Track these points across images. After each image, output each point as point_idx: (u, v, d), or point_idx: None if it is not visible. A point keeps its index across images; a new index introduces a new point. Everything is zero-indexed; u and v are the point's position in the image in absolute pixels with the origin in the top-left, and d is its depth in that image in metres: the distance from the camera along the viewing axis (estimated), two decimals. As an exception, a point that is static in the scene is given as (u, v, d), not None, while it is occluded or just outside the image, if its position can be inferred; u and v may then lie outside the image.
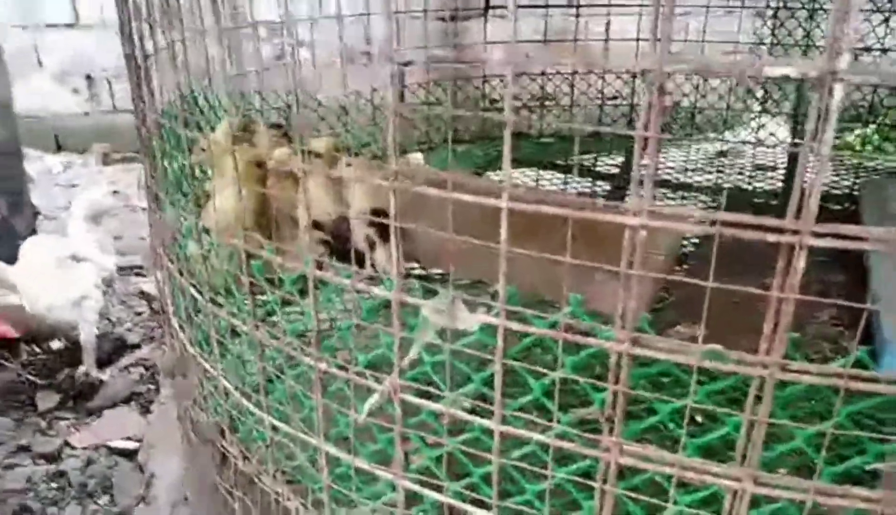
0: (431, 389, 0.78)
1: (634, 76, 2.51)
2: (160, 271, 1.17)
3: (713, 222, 0.58)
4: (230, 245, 0.88)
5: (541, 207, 0.68)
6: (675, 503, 0.70)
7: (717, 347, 0.62)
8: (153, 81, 0.98)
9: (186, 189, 0.95)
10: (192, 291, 0.98)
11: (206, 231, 0.91)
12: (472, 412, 0.77)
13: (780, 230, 0.56)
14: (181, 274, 1.02)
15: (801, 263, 0.58)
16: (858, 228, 0.54)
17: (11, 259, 2.45)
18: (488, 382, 0.78)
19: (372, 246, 1.79)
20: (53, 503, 2.00)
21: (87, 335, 2.36)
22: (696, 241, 1.82)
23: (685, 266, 1.73)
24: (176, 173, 1.05)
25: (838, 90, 0.49)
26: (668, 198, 2.23)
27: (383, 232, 1.76)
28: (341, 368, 0.83)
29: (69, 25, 4.80)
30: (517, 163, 2.39)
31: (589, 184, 2.34)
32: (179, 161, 1.05)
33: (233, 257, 0.90)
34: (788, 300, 0.59)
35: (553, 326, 0.68)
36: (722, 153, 2.71)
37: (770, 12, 2.69)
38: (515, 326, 0.69)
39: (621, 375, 0.66)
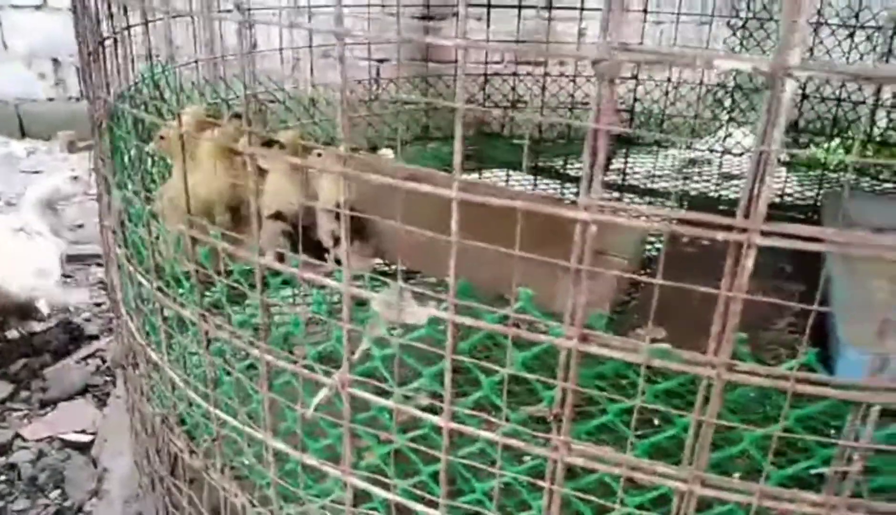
0: (383, 385, 0.77)
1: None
2: (109, 258, 1.14)
3: (665, 219, 0.57)
4: (177, 231, 0.85)
5: (493, 200, 0.67)
6: (623, 503, 0.70)
7: (665, 346, 0.62)
8: (107, 62, 0.95)
9: (137, 173, 0.93)
10: (140, 278, 0.95)
11: (154, 217, 0.88)
12: (425, 409, 0.75)
13: (729, 228, 0.56)
14: (129, 261, 0.99)
15: (749, 262, 0.57)
16: (808, 227, 0.54)
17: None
18: (441, 378, 0.77)
19: (336, 241, 1.77)
20: (1, 497, 1.94)
21: (47, 305, 2.37)
22: (660, 246, 1.83)
23: (648, 270, 1.73)
24: (128, 157, 1.02)
25: (789, 86, 0.49)
26: (635, 203, 2.23)
27: (350, 228, 1.73)
28: (291, 361, 0.81)
29: (37, 7, 4.69)
30: (488, 163, 2.39)
31: (558, 186, 2.34)
32: (132, 145, 1.02)
33: (180, 243, 0.87)
34: (736, 300, 0.59)
35: (503, 321, 0.66)
36: (690, 161, 2.73)
37: (740, 23, 2.72)
38: (466, 320, 0.68)
39: (570, 372, 0.66)
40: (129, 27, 1.08)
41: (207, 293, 0.88)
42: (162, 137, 1.42)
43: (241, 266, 0.86)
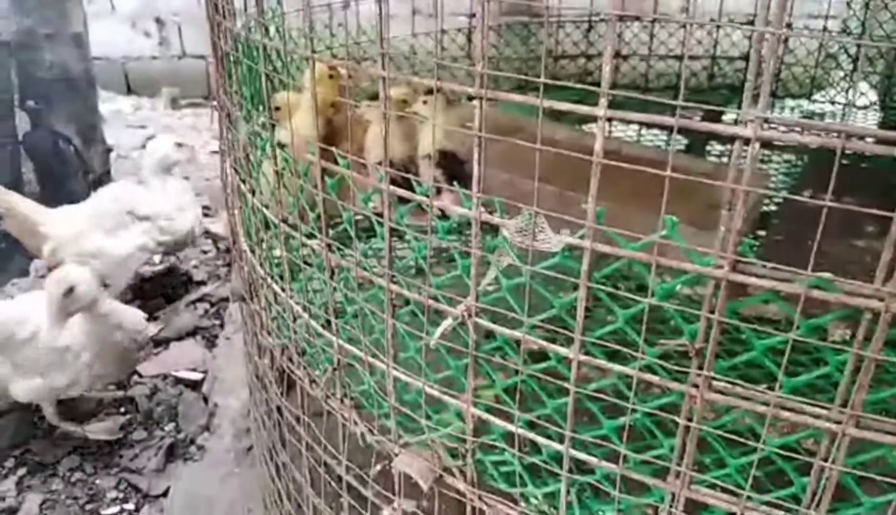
0: (508, 313, 0.75)
1: (719, 27, 2.38)
2: (230, 192, 1.16)
3: (838, 133, 0.53)
4: (305, 161, 0.86)
5: (649, 123, 0.64)
6: (765, 443, 0.66)
7: (827, 275, 0.57)
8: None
9: (262, 105, 0.94)
10: (265, 211, 0.97)
11: (282, 146, 0.89)
12: (549, 340, 0.74)
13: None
14: (253, 193, 1.01)
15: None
16: None
17: (84, 195, 2.52)
18: (566, 310, 0.75)
19: (438, 190, 1.76)
20: (122, 427, 2.07)
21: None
22: (780, 200, 1.73)
23: (771, 223, 1.65)
24: (252, 89, 1.03)
25: None
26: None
27: (450, 176, 1.72)
28: (416, 290, 0.80)
29: (143, -32, 4.84)
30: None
31: (664, 138, 2.25)
32: (256, 76, 1.02)
33: (307, 174, 0.88)
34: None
35: (646, 247, 0.63)
36: (808, 116, 2.57)
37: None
38: (604, 248, 0.65)
39: (717, 303, 0.62)
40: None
41: (332, 226, 0.88)
42: (278, 108, 1.43)
43: (365, 195, 0.86)
